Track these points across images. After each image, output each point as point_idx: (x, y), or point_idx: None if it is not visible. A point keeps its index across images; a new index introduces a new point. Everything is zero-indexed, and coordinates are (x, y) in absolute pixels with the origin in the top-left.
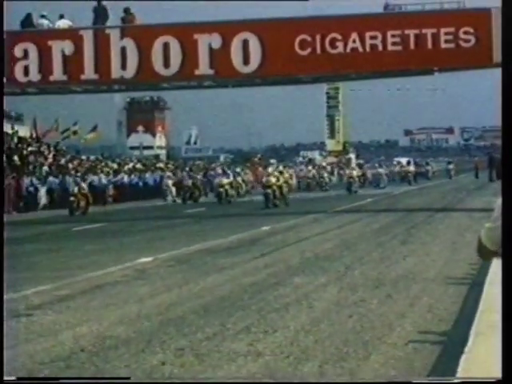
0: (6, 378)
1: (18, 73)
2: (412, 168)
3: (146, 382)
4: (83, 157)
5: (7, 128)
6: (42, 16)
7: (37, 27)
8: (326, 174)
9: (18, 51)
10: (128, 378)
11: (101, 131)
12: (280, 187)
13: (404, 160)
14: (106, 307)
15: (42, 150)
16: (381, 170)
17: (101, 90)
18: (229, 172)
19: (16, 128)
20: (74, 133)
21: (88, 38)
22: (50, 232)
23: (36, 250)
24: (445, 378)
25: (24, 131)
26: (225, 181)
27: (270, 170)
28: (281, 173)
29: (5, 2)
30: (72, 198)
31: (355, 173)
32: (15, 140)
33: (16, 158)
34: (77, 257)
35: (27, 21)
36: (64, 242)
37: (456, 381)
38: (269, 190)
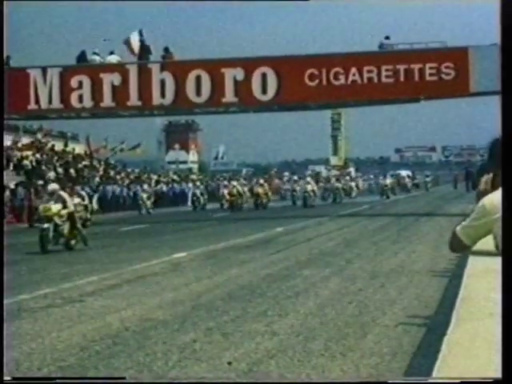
0: (5, 378)
1: (74, 100)
2: (409, 179)
3: (146, 382)
4: (129, 170)
5: (61, 145)
6: (94, 53)
7: (90, 62)
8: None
9: (73, 82)
10: (123, 378)
11: (144, 148)
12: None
13: (404, 172)
14: (147, 294)
15: (94, 164)
16: (387, 181)
17: (144, 114)
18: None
19: (72, 146)
20: (121, 150)
21: (133, 71)
22: (101, 232)
23: (89, 247)
24: (444, 377)
25: (79, 149)
26: (260, 190)
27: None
28: (261, 185)
29: (5, 2)
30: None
31: (353, 184)
32: (71, 156)
33: (72, 170)
34: (122, 252)
35: (82, 57)
36: (112, 240)
37: (456, 381)
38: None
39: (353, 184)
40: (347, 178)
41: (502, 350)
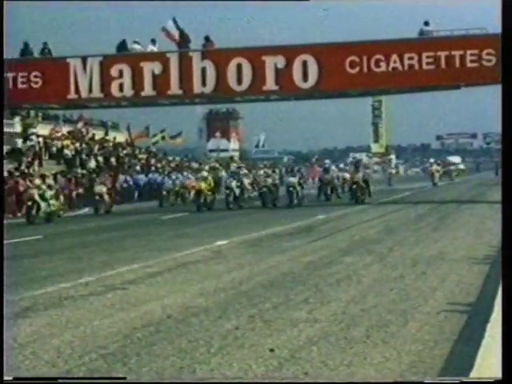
0: (5, 378)
1: (114, 89)
2: (462, 166)
3: (146, 382)
4: (170, 158)
5: (101, 134)
6: (135, 42)
7: (130, 51)
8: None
9: (114, 71)
10: (124, 378)
11: (185, 137)
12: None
13: (454, 158)
14: (189, 282)
15: (135, 152)
16: (436, 167)
17: (184, 103)
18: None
19: (113, 135)
20: (162, 138)
21: (174, 59)
22: (143, 220)
23: (130, 235)
24: (445, 378)
25: (120, 137)
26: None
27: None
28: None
29: (5, 2)
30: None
31: (394, 171)
32: (111, 144)
33: (113, 159)
34: (164, 240)
35: (122, 46)
36: (153, 229)
37: (456, 381)
38: (265, 189)
39: (393, 171)
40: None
41: (502, 349)
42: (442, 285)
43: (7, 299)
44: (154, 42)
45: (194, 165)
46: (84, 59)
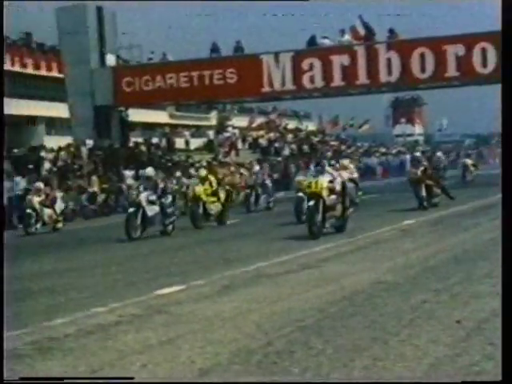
0: (6, 378)
1: (306, 81)
2: None
3: (147, 383)
4: (358, 144)
5: (294, 124)
6: (324, 37)
7: (320, 46)
8: None
9: (305, 65)
10: (132, 378)
11: (372, 124)
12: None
13: None
14: (379, 259)
15: (326, 139)
16: None
17: (372, 91)
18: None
19: (305, 124)
20: (351, 125)
21: (361, 52)
22: None
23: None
24: (444, 378)
25: (312, 126)
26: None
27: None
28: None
29: (5, 2)
30: None
31: None
32: (303, 133)
33: (305, 146)
34: (355, 220)
35: (312, 41)
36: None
37: (456, 381)
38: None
39: None
40: None
41: (502, 350)
42: None
43: (212, 278)
44: (342, 32)
45: (381, 149)
46: (276, 55)
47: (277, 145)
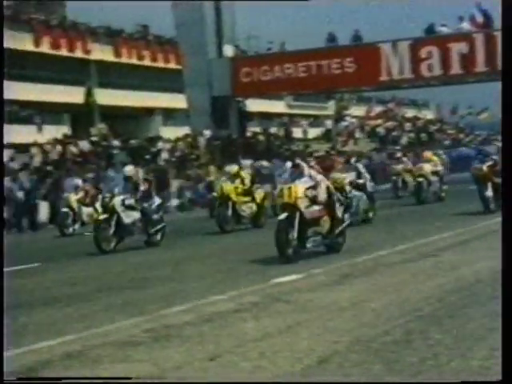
0: (5, 378)
1: (424, 69)
2: None
3: (149, 382)
4: (477, 132)
5: (413, 112)
6: (443, 25)
7: (438, 33)
8: None
9: (423, 53)
10: (129, 378)
11: (491, 112)
12: None
13: None
14: (497, 248)
15: (444, 128)
16: None
17: (491, 79)
18: None
19: (424, 112)
20: (470, 114)
21: (480, 39)
22: (455, 191)
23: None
24: (444, 378)
25: (430, 115)
26: None
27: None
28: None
29: (5, 2)
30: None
31: None
32: (422, 121)
33: (423, 135)
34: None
35: (430, 29)
36: (459, 198)
37: (456, 381)
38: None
39: None
40: None
41: (502, 350)
42: None
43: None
44: (461, 19)
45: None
46: (394, 43)
47: (395, 133)
